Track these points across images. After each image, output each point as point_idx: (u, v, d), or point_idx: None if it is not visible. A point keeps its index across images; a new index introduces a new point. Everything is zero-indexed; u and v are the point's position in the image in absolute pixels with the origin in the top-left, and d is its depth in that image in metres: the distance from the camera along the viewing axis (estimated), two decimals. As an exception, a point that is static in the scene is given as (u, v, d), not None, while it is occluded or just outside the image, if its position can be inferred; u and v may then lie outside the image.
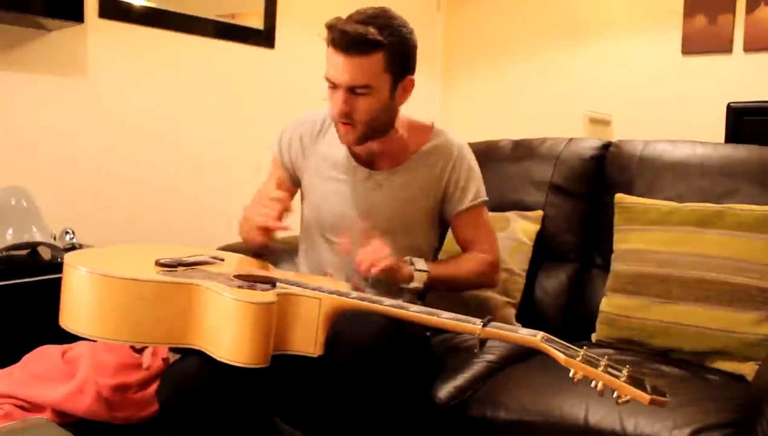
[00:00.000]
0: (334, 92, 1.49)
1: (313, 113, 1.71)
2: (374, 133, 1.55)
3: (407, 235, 1.62)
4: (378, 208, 1.60)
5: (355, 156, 1.62)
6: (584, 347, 1.15)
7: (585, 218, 2.03)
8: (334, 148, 1.63)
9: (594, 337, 1.81)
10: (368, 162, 1.62)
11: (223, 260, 1.47)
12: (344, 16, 1.47)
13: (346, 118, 1.49)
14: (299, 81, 3.19)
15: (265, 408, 1.46)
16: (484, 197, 1.67)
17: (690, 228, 1.71)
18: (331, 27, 1.45)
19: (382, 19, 1.45)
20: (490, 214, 1.97)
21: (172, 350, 1.88)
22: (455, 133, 1.70)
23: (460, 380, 1.58)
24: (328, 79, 1.48)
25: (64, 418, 1.67)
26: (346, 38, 1.42)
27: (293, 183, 1.71)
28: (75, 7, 2.24)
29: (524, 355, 1.71)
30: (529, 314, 1.94)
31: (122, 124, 2.64)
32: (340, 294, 1.30)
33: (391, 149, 1.60)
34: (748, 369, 1.57)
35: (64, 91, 2.47)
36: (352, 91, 1.46)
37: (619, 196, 1.88)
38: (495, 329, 1.22)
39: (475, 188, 1.65)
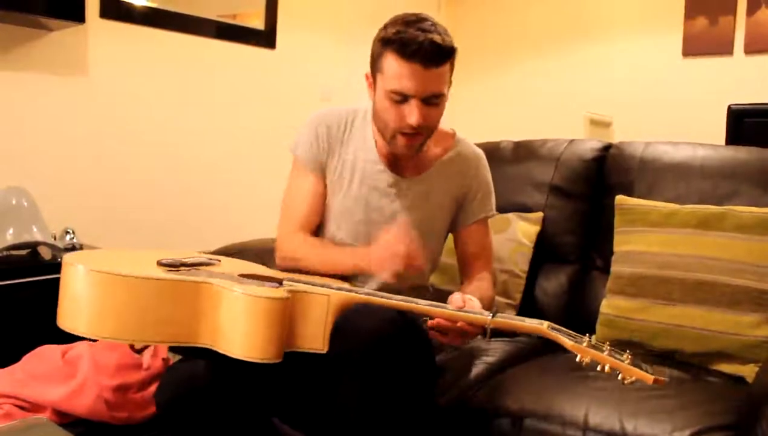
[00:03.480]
0: (403, 105, 1.44)
1: (336, 112, 1.64)
2: (428, 140, 1.55)
3: (426, 242, 1.60)
4: (404, 214, 1.58)
5: (385, 162, 1.60)
6: (587, 334, 1.16)
7: (585, 220, 2.03)
8: (361, 150, 1.60)
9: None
10: (394, 168, 1.60)
11: (219, 261, 1.47)
12: (397, 26, 1.42)
13: (420, 129, 1.47)
14: (300, 81, 3.20)
15: (264, 409, 1.46)
16: (494, 211, 1.68)
17: (690, 230, 1.71)
18: (403, 39, 1.40)
19: (438, 26, 1.44)
20: (491, 215, 1.98)
21: (172, 350, 1.88)
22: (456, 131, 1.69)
23: (461, 380, 1.59)
24: (397, 93, 1.43)
25: (64, 418, 1.67)
26: (429, 50, 1.39)
27: (322, 180, 1.63)
28: (76, 7, 2.25)
29: (524, 356, 1.71)
30: (529, 315, 1.92)
31: (123, 125, 2.65)
32: (348, 290, 1.30)
33: (416, 156, 1.58)
34: (748, 371, 1.57)
35: (65, 91, 2.48)
36: (426, 101, 1.44)
37: (620, 198, 1.88)
38: (503, 318, 1.25)
39: (490, 201, 1.67)
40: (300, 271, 1.50)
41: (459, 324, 1.27)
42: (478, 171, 1.65)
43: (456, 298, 1.31)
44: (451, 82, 1.50)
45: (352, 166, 1.60)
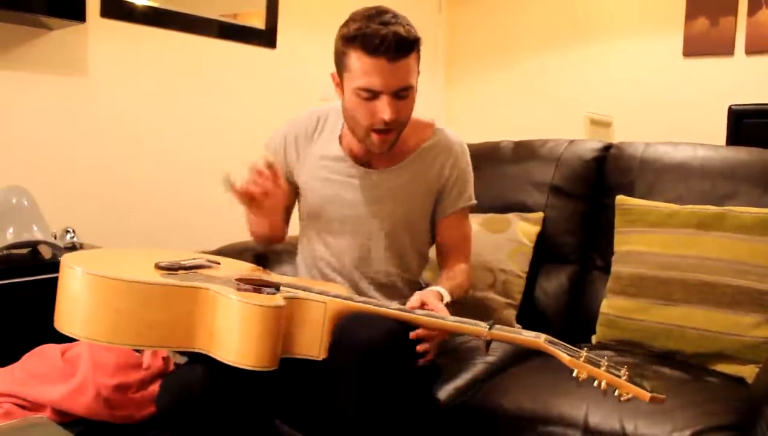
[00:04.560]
0: (373, 101, 1.43)
1: (307, 114, 1.69)
2: (401, 133, 1.54)
3: (409, 233, 1.61)
4: (378, 208, 1.59)
5: (352, 155, 1.60)
6: (585, 348, 1.16)
7: (586, 220, 2.03)
8: (330, 147, 1.62)
9: (594, 338, 1.81)
10: (366, 161, 1.60)
11: (219, 263, 1.47)
12: (358, 22, 1.41)
13: (393, 124, 1.46)
14: (300, 81, 3.20)
15: (266, 411, 1.46)
16: (474, 200, 1.67)
17: (691, 230, 1.71)
18: (366, 35, 1.38)
19: (400, 17, 1.42)
20: (491, 215, 1.98)
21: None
22: (454, 131, 1.68)
23: (460, 381, 1.58)
24: (366, 90, 1.42)
25: (63, 417, 1.67)
26: (393, 44, 1.37)
27: (289, 184, 1.69)
28: (77, 6, 2.24)
29: (523, 357, 1.71)
30: (529, 316, 1.94)
31: (123, 124, 2.64)
32: (345, 298, 1.30)
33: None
34: (748, 372, 1.57)
35: (65, 91, 2.48)
36: (396, 95, 1.43)
37: (620, 198, 1.88)
38: (500, 331, 1.23)
39: (469, 190, 1.65)
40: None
41: (434, 333, 1.30)
42: (456, 160, 1.62)
43: (413, 300, 1.35)
44: (418, 72, 1.49)
45: (323, 163, 1.62)
